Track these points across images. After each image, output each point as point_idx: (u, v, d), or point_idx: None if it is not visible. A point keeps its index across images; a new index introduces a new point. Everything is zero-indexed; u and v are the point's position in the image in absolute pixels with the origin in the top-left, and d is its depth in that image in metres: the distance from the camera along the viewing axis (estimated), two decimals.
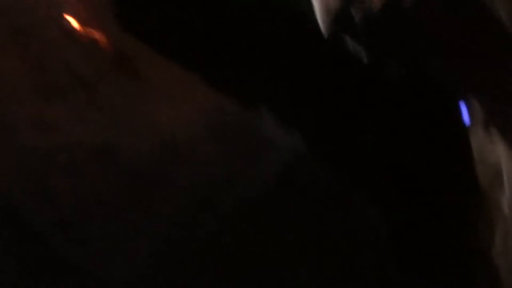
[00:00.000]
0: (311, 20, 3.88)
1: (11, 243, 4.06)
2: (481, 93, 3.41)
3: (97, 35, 4.04)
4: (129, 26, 4.16)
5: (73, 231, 3.98)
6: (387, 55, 3.43)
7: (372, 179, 4.88)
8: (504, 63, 3.11)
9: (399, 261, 4.42)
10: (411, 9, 3.04)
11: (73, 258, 4.11)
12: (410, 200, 4.79)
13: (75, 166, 3.99)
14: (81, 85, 3.99)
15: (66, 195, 3.96)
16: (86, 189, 4.08)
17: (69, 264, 4.15)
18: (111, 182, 4.16)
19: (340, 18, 3.30)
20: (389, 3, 3.09)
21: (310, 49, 4.67)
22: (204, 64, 4.42)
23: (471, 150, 3.87)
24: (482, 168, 3.71)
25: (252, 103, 4.62)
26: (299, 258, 4.52)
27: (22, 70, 3.97)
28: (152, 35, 4.25)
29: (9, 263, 4.01)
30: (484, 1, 2.87)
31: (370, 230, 4.81)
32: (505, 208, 3.38)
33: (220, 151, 4.64)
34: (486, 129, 3.57)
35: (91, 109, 4.06)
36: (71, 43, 3.99)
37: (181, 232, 4.52)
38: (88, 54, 4.05)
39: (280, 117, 4.71)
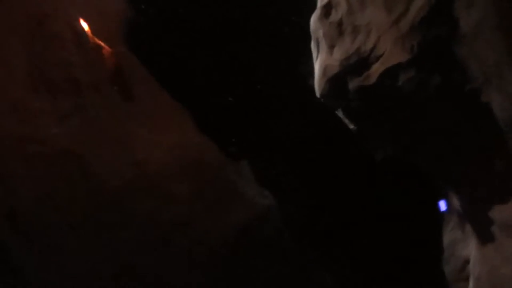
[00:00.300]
0: (307, 85, 3.97)
1: None
2: (463, 190, 3.44)
3: (103, 45, 4.12)
4: (136, 47, 4.24)
5: (22, 223, 3.89)
6: (375, 132, 3.49)
7: (334, 254, 4.82)
8: (491, 161, 3.14)
9: None
10: (406, 87, 3.12)
11: (15, 250, 4.00)
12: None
13: (42, 162, 3.95)
14: (74, 88, 4.02)
15: (24, 186, 3.90)
16: (46, 187, 4.02)
17: (10, 256, 4.04)
18: (73, 189, 4.10)
19: (335, 82, 3.40)
20: (384, 77, 3.19)
21: (299, 114, 4.70)
22: (198, 103, 4.46)
23: (442, 242, 3.89)
24: (451, 258, 3.71)
25: (234, 155, 4.63)
26: None
27: (23, 55, 4.01)
28: (156, 61, 4.31)
29: None
30: (478, 91, 2.96)
31: None
32: None
33: (191, 192, 4.62)
34: (461, 224, 3.59)
35: (76, 113, 4.06)
36: (77, 45, 4.06)
37: (135, 259, 4.41)
38: (89, 61, 4.11)
39: (258, 175, 4.70)
